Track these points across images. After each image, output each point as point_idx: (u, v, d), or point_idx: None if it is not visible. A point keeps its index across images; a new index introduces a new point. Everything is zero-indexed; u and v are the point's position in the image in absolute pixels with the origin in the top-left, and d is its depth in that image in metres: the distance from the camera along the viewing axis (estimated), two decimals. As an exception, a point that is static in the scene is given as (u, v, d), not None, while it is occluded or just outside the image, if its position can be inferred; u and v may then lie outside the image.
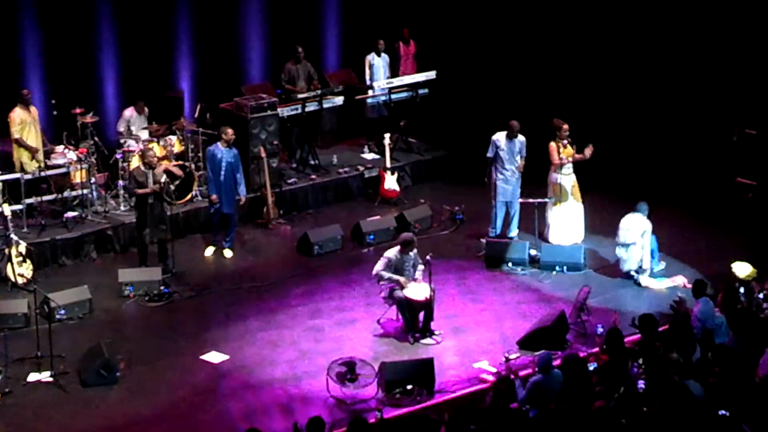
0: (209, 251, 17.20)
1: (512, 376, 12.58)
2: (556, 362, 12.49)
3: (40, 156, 17.12)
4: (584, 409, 11.19)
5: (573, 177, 16.92)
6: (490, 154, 16.95)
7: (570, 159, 16.74)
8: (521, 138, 16.92)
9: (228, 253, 17.18)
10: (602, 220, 17.65)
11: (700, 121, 19.37)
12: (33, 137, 17.12)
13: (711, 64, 19.38)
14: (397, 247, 14.83)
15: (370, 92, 20.04)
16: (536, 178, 17.37)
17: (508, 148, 16.87)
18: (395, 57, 20.55)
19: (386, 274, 14.68)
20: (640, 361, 12.33)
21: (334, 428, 12.66)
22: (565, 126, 16.76)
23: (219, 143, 16.87)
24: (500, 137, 16.89)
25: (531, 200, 16.91)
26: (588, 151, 16.73)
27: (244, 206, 17.50)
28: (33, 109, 17.25)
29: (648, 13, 19.91)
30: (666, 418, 10.99)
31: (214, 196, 16.84)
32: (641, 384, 11.91)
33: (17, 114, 17.01)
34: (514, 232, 17.25)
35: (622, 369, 12.06)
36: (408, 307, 14.65)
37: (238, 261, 17.12)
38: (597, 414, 10.94)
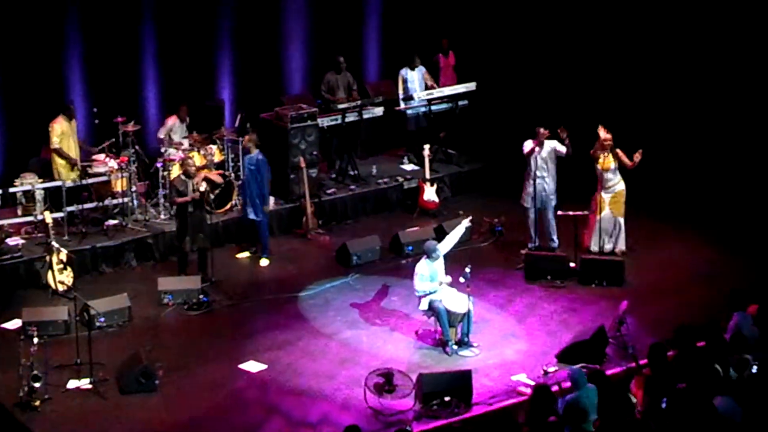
0: (242, 255, 17.33)
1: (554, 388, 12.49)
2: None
3: (78, 167, 17.24)
4: (618, 425, 11.17)
5: (616, 189, 16.81)
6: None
7: (608, 166, 16.65)
8: (551, 144, 16.83)
9: (263, 262, 17.22)
10: (644, 235, 17.60)
11: (740, 135, 19.23)
12: (72, 149, 17.25)
13: (755, 79, 19.25)
14: (424, 257, 14.89)
15: (403, 105, 19.99)
16: (576, 191, 17.33)
17: (538, 153, 16.81)
18: (435, 69, 20.51)
19: (427, 287, 14.69)
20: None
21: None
22: (602, 135, 16.69)
23: None
24: (530, 145, 16.85)
25: (570, 213, 16.84)
26: (636, 157, 16.65)
27: (272, 214, 17.66)
28: (74, 122, 17.40)
29: (693, 28, 19.72)
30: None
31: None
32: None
33: (59, 124, 17.14)
34: (554, 243, 17.17)
35: (666, 383, 11.97)
36: (447, 318, 14.63)
37: (276, 270, 17.14)
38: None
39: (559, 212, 17.04)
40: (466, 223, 15.86)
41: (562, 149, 16.77)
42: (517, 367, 14.34)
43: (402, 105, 20.02)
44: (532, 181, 16.84)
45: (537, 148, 16.73)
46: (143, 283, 16.50)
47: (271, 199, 18.29)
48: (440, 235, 17.28)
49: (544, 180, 16.89)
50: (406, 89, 20.08)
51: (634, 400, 12.13)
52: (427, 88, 20.04)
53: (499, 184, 19.65)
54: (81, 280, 16.44)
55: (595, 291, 16.26)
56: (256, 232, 17.25)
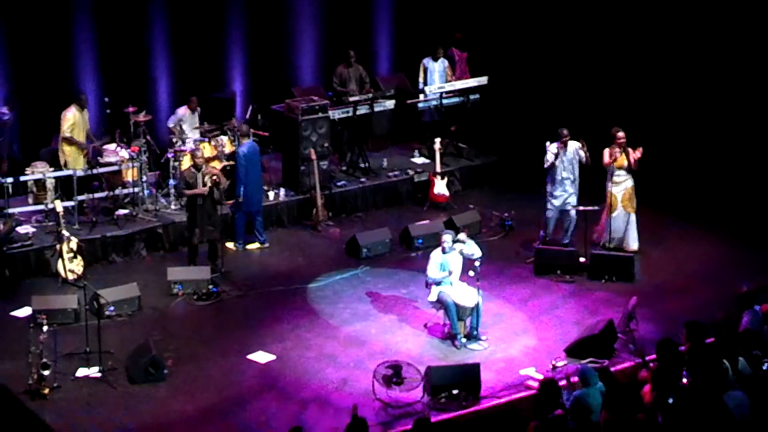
0: (252, 246, 17.47)
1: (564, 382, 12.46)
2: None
3: (89, 153, 17.29)
4: (625, 421, 11.13)
5: (627, 185, 16.80)
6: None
7: (621, 163, 16.65)
8: (574, 145, 16.80)
9: (230, 243, 17.41)
10: (654, 231, 17.57)
11: (751, 131, 19.16)
12: (82, 138, 17.28)
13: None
14: (439, 248, 14.91)
15: (421, 96, 20.01)
16: (589, 187, 17.31)
17: (563, 155, 16.78)
18: (450, 62, 20.45)
19: (437, 275, 14.73)
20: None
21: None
22: (620, 134, 16.70)
23: None
24: (553, 152, 16.82)
25: (581, 207, 16.84)
26: (636, 153, 16.64)
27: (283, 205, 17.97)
28: (86, 111, 17.43)
29: (704, 22, 19.66)
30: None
31: None
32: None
33: (72, 114, 17.15)
34: (567, 239, 17.13)
35: (674, 379, 11.95)
36: (456, 311, 14.64)
37: (286, 262, 17.16)
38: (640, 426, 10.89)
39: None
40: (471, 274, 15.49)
41: (582, 154, 16.75)
42: (525, 361, 14.35)
43: (421, 95, 19.98)
44: (557, 185, 16.81)
45: (561, 151, 16.69)
46: (153, 273, 16.52)
47: (282, 191, 18.34)
48: (450, 228, 17.27)
49: (570, 182, 16.84)
50: (426, 79, 20.06)
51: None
52: (448, 81, 20.03)
53: (510, 179, 19.66)
54: (91, 269, 16.47)
55: (607, 287, 16.21)
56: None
